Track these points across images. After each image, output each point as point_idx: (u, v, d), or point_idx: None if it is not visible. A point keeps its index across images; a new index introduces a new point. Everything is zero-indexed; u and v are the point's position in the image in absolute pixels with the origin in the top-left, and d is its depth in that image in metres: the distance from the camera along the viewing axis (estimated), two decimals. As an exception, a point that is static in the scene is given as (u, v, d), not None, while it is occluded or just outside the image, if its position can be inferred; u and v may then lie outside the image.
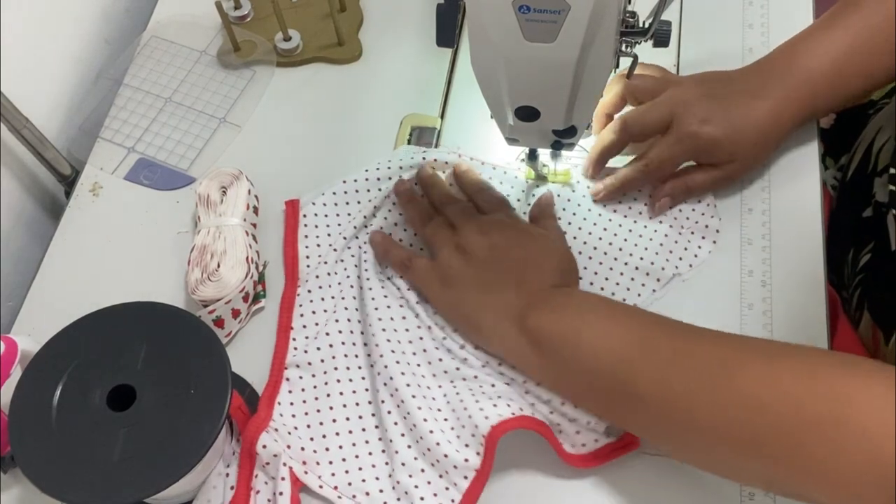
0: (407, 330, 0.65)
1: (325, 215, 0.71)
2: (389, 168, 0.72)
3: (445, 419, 0.61)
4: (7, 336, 0.59)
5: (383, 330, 0.64)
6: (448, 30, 0.59)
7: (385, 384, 0.62)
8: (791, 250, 0.68)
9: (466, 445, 0.59)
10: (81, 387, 0.54)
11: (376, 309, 0.65)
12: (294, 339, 0.65)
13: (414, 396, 0.61)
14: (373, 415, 0.62)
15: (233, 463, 0.60)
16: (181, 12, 0.85)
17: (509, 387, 0.62)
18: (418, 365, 0.63)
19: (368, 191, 0.72)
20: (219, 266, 0.65)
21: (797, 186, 0.71)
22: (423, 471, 0.59)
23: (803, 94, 0.67)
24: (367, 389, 0.63)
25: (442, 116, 0.78)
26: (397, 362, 0.62)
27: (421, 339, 0.64)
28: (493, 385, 0.62)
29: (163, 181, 0.76)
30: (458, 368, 0.63)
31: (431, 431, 0.59)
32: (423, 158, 0.72)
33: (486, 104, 0.62)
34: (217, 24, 0.83)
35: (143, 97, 0.80)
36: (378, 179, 0.72)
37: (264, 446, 0.59)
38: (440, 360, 0.63)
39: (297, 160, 0.76)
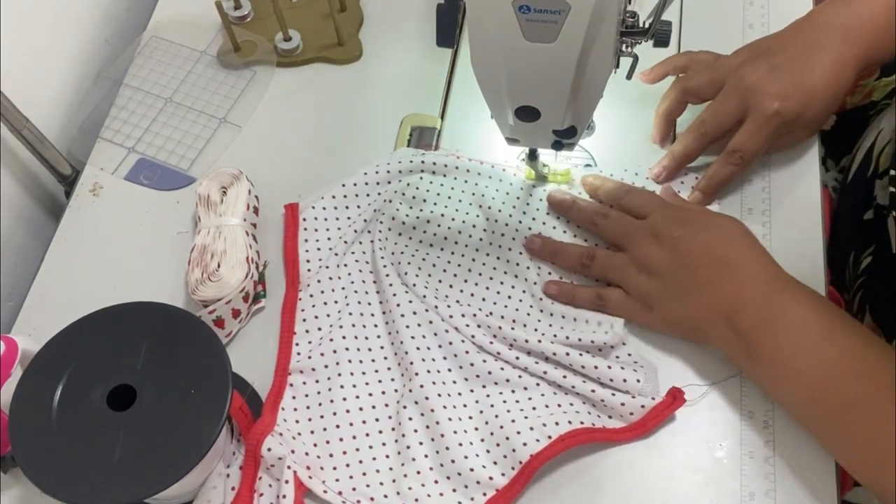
0: (435, 334, 0.64)
1: (325, 219, 0.71)
2: (389, 171, 0.72)
3: (476, 428, 0.61)
4: (7, 336, 0.59)
5: (412, 338, 0.64)
6: (448, 30, 0.59)
7: (411, 391, 0.61)
8: (791, 250, 0.68)
9: (495, 463, 0.59)
10: (82, 387, 0.54)
11: (402, 316, 0.65)
12: (297, 345, 0.65)
13: (445, 407, 0.60)
14: (377, 420, 0.62)
15: (233, 463, 0.60)
16: (181, 12, 0.85)
17: (545, 385, 0.62)
18: (449, 370, 0.63)
19: (368, 195, 0.72)
20: (219, 266, 0.65)
21: (797, 186, 0.71)
22: (436, 482, 0.59)
23: (861, 43, 0.67)
24: (370, 395, 0.63)
25: (442, 116, 0.78)
26: (428, 371, 0.62)
27: (451, 343, 0.64)
28: (525, 389, 0.62)
29: (163, 181, 0.76)
30: (490, 372, 0.63)
31: (460, 444, 0.59)
32: (423, 161, 0.72)
33: (487, 104, 0.62)
34: (217, 24, 0.83)
35: (143, 97, 0.80)
36: (377, 183, 0.72)
37: (269, 449, 0.59)
38: (472, 364, 0.63)
39: (298, 160, 0.76)
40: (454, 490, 0.58)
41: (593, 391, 0.61)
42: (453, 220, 0.69)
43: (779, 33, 0.70)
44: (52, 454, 0.52)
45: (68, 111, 0.82)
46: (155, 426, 0.53)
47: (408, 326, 0.64)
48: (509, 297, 0.67)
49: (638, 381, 0.61)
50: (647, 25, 0.58)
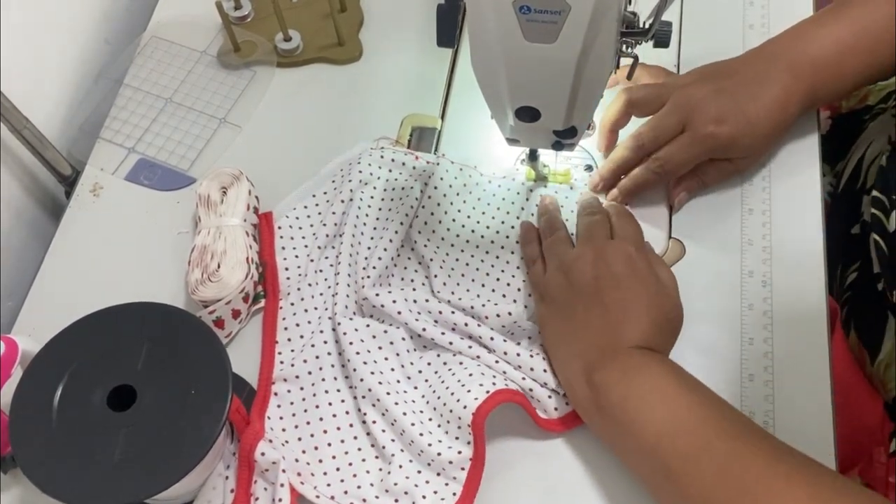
0: (374, 337, 0.64)
1: (300, 227, 0.71)
2: (360, 171, 0.72)
3: (430, 419, 0.61)
4: (7, 336, 0.59)
5: (350, 343, 0.64)
6: (448, 30, 0.59)
7: (364, 396, 0.62)
8: (791, 251, 0.68)
9: (457, 438, 0.60)
10: (82, 387, 0.54)
11: (339, 324, 0.65)
12: (280, 353, 0.65)
13: (397, 403, 0.61)
14: (363, 423, 0.62)
15: (232, 465, 0.60)
16: (181, 12, 0.85)
17: (479, 360, 0.63)
18: (392, 370, 0.63)
19: (342, 201, 0.71)
20: (219, 266, 0.65)
21: (798, 187, 0.71)
22: (419, 472, 0.59)
23: (807, 81, 0.67)
24: (354, 398, 0.63)
25: (442, 117, 0.78)
26: (372, 373, 0.62)
27: (391, 343, 0.64)
28: (461, 363, 0.62)
29: (163, 181, 0.76)
30: (429, 364, 0.64)
31: (421, 434, 0.60)
32: (382, 157, 0.72)
33: (487, 104, 0.62)
34: (217, 25, 0.83)
35: (143, 97, 0.80)
36: (349, 181, 0.71)
37: (262, 454, 0.59)
38: (411, 363, 0.64)
39: (298, 160, 0.76)
40: (438, 474, 0.59)
41: (523, 378, 0.62)
42: (412, 207, 0.70)
43: (729, 61, 0.70)
44: (52, 454, 0.52)
45: (68, 111, 0.82)
46: (155, 426, 0.53)
47: (345, 333, 0.64)
48: (459, 280, 0.67)
49: (555, 375, 0.61)
50: (647, 26, 0.58)
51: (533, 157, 0.72)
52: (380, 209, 0.70)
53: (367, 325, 0.65)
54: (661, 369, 0.57)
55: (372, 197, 0.70)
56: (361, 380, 0.62)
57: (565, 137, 0.64)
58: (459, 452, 0.59)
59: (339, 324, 0.65)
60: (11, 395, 0.54)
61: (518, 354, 0.62)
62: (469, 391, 0.60)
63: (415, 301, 0.65)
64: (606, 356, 0.58)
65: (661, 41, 0.60)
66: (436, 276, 0.67)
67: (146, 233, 0.73)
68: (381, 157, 0.72)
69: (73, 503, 0.51)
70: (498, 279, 0.67)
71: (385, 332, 0.64)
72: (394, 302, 0.64)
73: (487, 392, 0.59)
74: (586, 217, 0.66)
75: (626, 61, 0.63)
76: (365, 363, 0.63)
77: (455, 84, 0.80)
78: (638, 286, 0.60)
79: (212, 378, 0.55)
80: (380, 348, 0.64)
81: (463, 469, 0.59)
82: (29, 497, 0.62)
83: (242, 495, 0.58)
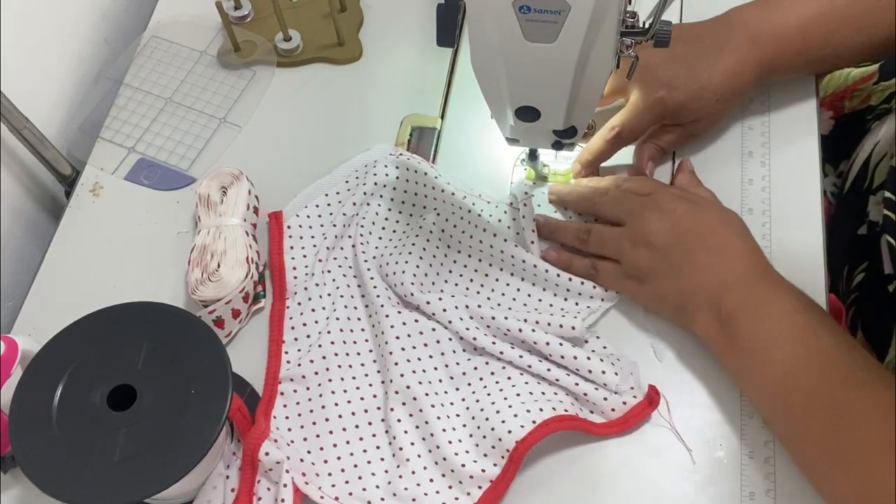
0: (421, 333, 0.64)
1: (310, 227, 0.71)
2: (375, 174, 0.71)
3: (464, 425, 0.61)
4: (7, 336, 0.59)
5: (397, 338, 0.63)
6: (448, 30, 0.59)
7: (397, 392, 0.61)
8: (791, 251, 0.68)
9: (485, 455, 0.59)
10: (82, 387, 0.54)
11: (387, 316, 0.64)
12: (286, 353, 0.65)
13: (433, 406, 0.60)
14: (369, 423, 0.62)
15: (233, 464, 0.60)
16: (181, 12, 0.85)
17: (529, 374, 0.62)
18: (435, 369, 0.63)
19: (354, 204, 0.71)
20: (219, 266, 0.65)
21: (797, 187, 0.71)
22: (431, 480, 0.59)
23: (767, 49, 0.68)
24: (362, 398, 0.63)
25: (442, 116, 0.78)
26: (413, 371, 0.62)
27: (438, 342, 0.64)
28: (509, 377, 0.62)
29: (163, 181, 0.76)
30: (476, 368, 0.63)
31: (450, 441, 0.59)
32: (398, 159, 0.72)
33: (487, 104, 0.62)
34: (217, 24, 0.83)
35: (143, 97, 0.80)
36: (363, 184, 0.71)
37: (267, 454, 0.59)
38: (457, 363, 0.63)
39: (297, 160, 0.76)
40: (450, 487, 0.59)
41: (577, 384, 0.61)
42: (439, 214, 0.69)
43: (692, 25, 0.71)
44: (52, 454, 0.52)
45: (68, 111, 0.82)
46: (155, 426, 0.53)
47: (392, 326, 0.64)
48: (495, 283, 0.67)
49: (616, 374, 0.61)
50: (647, 25, 0.58)
51: (533, 156, 0.72)
52: (400, 211, 0.70)
53: (416, 321, 0.64)
54: (789, 303, 0.58)
55: (392, 199, 0.71)
56: (402, 375, 0.61)
57: (565, 137, 0.64)
58: (483, 471, 0.58)
59: (386, 316, 0.64)
60: (11, 395, 0.54)
61: (575, 357, 0.61)
62: (516, 415, 0.59)
63: (466, 307, 0.65)
64: (731, 287, 0.59)
65: (661, 41, 0.60)
66: (497, 279, 0.67)
67: (146, 233, 0.73)
68: (398, 161, 0.72)
69: (73, 503, 0.51)
70: (559, 275, 0.66)
71: (433, 329, 0.64)
72: (444, 311, 0.64)
73: (534, 422, 0.58)
74: (604, 198, 0.67)
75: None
76: (409, 360, 0.62)
77: (455, 84, 0.80)
78: (705, 214, 0.63)
79: (212, 378, 0.55)
80: (425, 345, 0.64)
81: (480, 487, 0.58)
82: (29, 497, 0.62)
83: (245, 495, 0.58)
